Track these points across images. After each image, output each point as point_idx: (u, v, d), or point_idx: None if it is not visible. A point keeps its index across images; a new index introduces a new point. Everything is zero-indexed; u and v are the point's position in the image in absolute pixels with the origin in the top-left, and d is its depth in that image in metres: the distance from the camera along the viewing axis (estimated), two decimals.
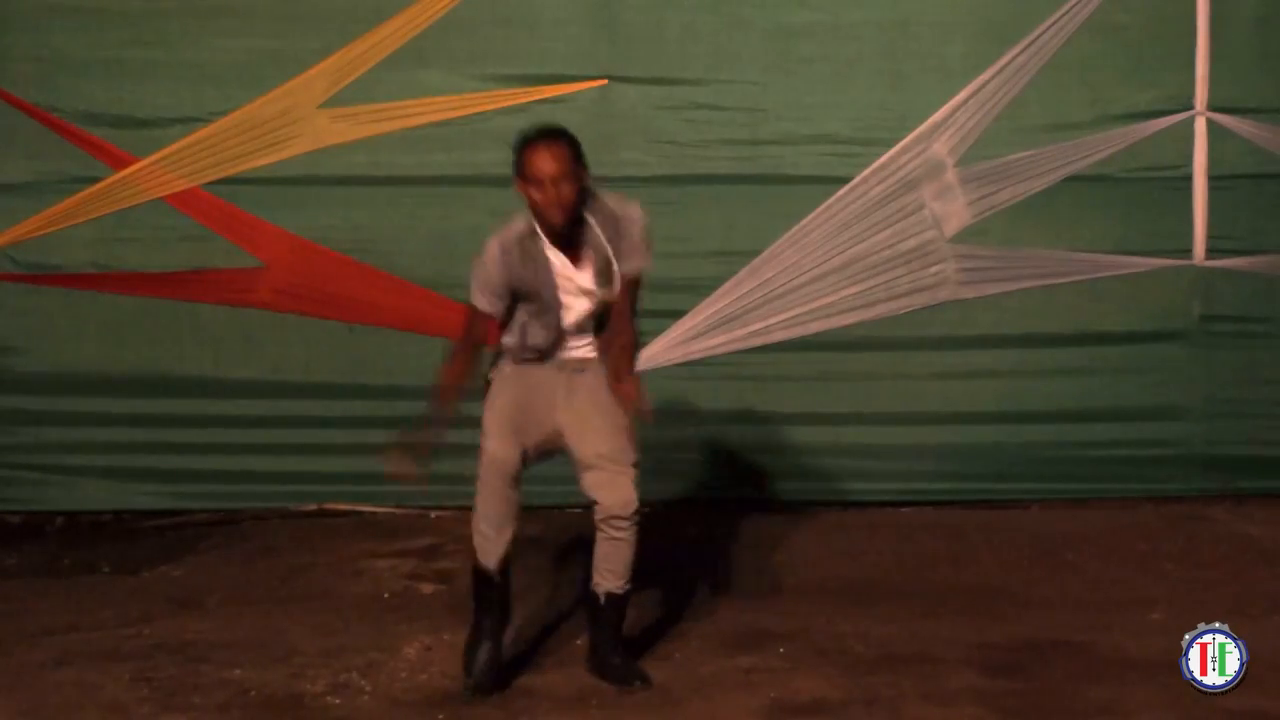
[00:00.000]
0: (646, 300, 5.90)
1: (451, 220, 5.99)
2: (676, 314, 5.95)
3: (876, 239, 5.98)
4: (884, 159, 5.95)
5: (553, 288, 3.97)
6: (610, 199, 4.03)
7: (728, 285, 5.97)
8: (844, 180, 5.95)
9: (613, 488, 3.97)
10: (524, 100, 5.94)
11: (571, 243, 3.97)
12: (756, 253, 5.97)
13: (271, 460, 6.10)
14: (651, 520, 5.65)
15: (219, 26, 5.97)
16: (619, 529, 4.00)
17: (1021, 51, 5.90)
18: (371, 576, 5.19)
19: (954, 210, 5.97)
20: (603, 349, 4.05)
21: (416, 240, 6.01)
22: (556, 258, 3.97)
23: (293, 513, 6.02)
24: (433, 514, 6.01)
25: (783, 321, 6.01)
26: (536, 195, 3.89)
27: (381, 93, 5.90)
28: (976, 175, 5.95)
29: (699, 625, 4.54)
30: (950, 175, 5.96)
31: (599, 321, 4.04)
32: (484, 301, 4.03)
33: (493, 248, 3.99)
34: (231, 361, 6.09)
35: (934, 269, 6.00)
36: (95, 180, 5.97)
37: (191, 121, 5.97)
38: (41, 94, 5.97)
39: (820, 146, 5.99)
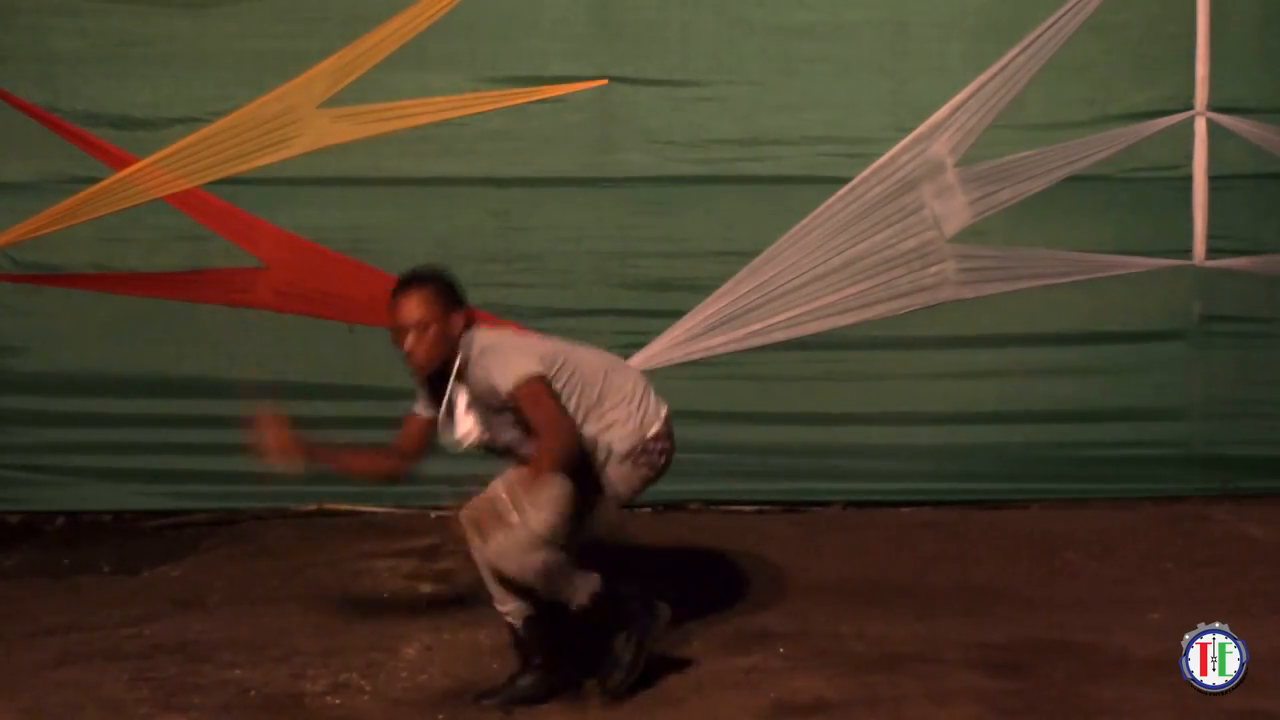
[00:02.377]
0: (647, 300, 5.94)
1: (451, 220, 6.00)
2: (676, 314, 5.96)
3: (876, 239, 5.98)
4: (884, 159, 5.96)
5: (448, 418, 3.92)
6: (480, 337, 3.89)
7: (728, 285, 5.98)
8: (844, 180, 5.96)
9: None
10: (524, 100, 5.95)
11: (447, 380, 3.88)
12: (756, 253, 5.97)
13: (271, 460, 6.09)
14: (652, 521, 5.68)
15: (219, 26, 5.97)
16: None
17: (1021, 51, 5.91)
18: (371, 576, 5.19)
19: (954, 210, 5.97)
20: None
21: (416, 240, 6.00)
22: (458, 395, 3.91)
23: (293, 513, 6.02)
24: (433, 514, 6.00)
25: (783, 321, 6.01)
26: (394, 341, 3.87)
27: (381, 93, 5.90)
28: (976, 175, 5.96)
29: (699, 625, 4.54)
30: (950, 175, 5.97)
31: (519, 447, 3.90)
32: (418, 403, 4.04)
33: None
34: (231, 362, 6.08)
35: (934, 269, 6.01)
36: (95, 180, 5.97)
37: (191, 121, 5.97)
38: (41, 94, 5.97)
39: (820, 146, 5.99)
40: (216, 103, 5.95)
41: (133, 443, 6.11)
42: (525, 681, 3.92)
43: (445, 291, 3.87)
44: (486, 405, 3.86)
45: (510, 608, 3.93)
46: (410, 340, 3.82)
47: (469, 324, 3.89)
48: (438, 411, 3.96)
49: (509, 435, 3.90)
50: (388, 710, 3.93)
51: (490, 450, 3.96)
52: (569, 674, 3.98)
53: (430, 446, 4.07)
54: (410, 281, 3.87)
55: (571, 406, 3.85)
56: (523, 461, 3.82)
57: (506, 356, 3.81)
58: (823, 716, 3.85)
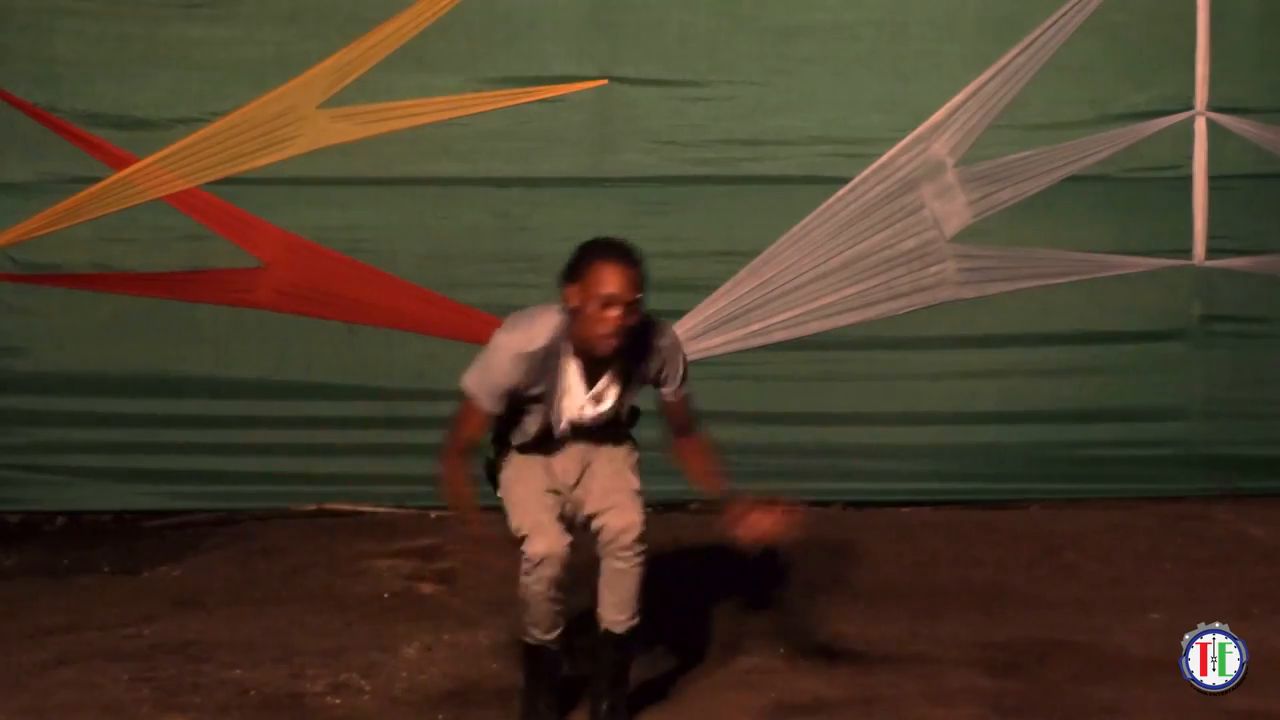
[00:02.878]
0: (647, 300, 5.93)
1: (451, 220, 6.00)
2: (677, 314, 5.95)
3: (876, 239, 5.98)
4: (884, 159, 5.96)
5: (558, 405, 3.68)
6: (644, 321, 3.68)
7: (728, 285, 5.98)
8: (844, 180, 5.96)
9: (619, 514, 3.68)
10: (524, 100, 5.94)
11: (601, 363, 3.64)
12: (756, 253, 5.97)
13: (271, 460, 6.10)
14: (652, 521, 5.67)
15: (219, 27, 5.96)
16: (624, 558, 3.69)
17: (1021, 51, 5.91)
18: (371, 576, 5.18)
19: (954, 210, 5.97)
20: (688, 467, 3.87)
21: (416, 240, 6.01)
22: (574, 372, 3.66)
23: (293, 513, 6.02)
24: (433, 514, 6.00)
25: (783, 321, 6.01)
26: (593, 314, 3.51)
27: (381, 93, 5.90)
28: (976, 175, 5.96)
29: (699, 625, 4.54)
30: (950, 175, 5.97)
31: (609, 422, 3.78)
32: (487, 402, 3.67)
33: (509, 348, 3.63)
34: (231, 362, 6.08)
35: (934, 269, 6.01)
36: (95, 180, 5.97)
37: (191, 121, 5.96)
38: (41, 94, 5.96)
39: (820, 146, 5.98)
40: (216, 103, 5.95)
41: (133, 443, 6.10)
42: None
43: (646, 273, 3.65)
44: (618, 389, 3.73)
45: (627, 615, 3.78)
46: (629, 319, 3.53)
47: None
48: (500, 408, 3.71)
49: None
50: (388, 710, 3.94)
51: (549, 433, 3.75)
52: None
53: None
54: (636, 256, 3.58)
55: None
56: (594, 436, 3.75)
57: (686, 362, 3.80)
58: (823, 716, 3.85)
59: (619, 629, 3.74)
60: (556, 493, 3.74)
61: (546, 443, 3.76)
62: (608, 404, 3.72)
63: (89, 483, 6.12)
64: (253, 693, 4.05)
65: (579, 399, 3.69)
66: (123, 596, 5.00)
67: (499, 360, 3.63)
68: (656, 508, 5.71)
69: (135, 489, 6.12)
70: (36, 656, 4.35)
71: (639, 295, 3.54)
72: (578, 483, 3.78)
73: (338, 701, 3.99)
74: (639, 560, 3.70)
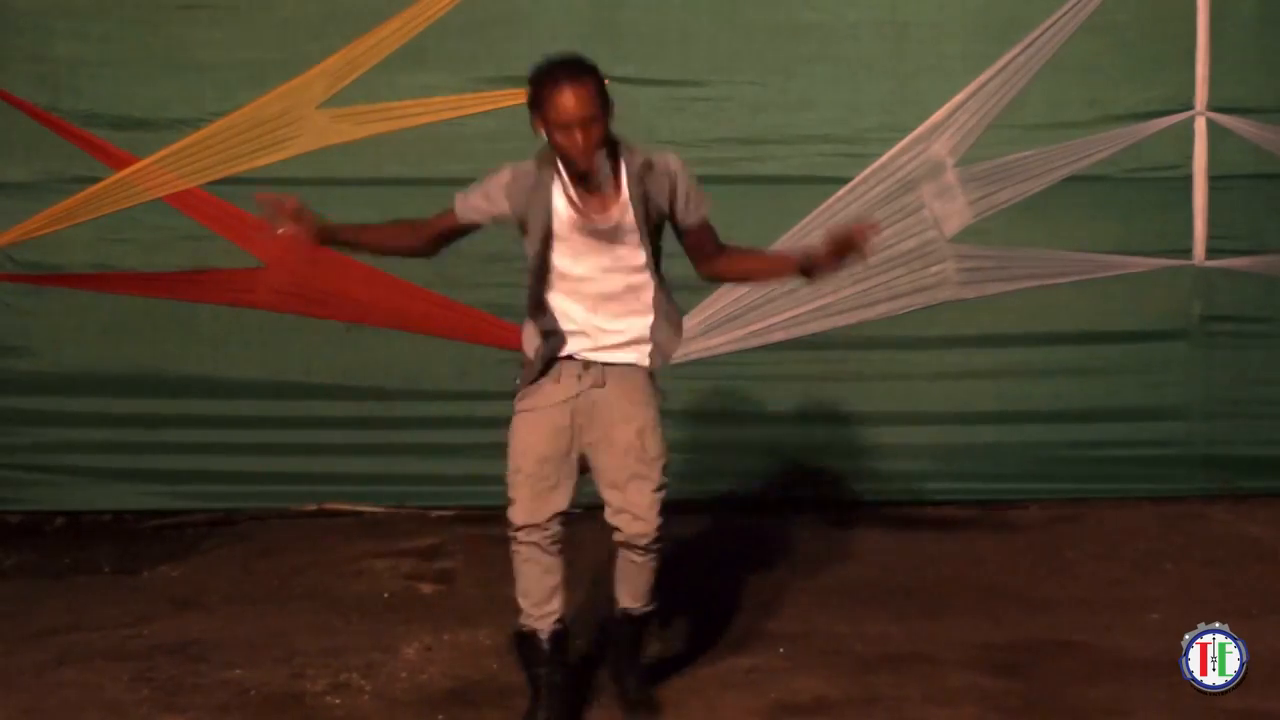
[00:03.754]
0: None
1: None
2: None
3: (876, 239, 5.97)
4: (884, 159, 5.96)
5: (547, 222, 3.62)
6: (639, 146, 3.70)
7: (728, 285, 5.97)
8: (844, 180, 5.96)
9: (634, 512, 3.71)
10: (524, 100, 5.92)
11: (594, 183, 3.60)
12: None
13: (271, 460, 6.10)
14: None
15: (219, 27, 5.96)
16: (636, 555, 3.77)
17: (1021, 51, 5.91)
18: (371, 576, 5.19)
19: (954, 210, 5.97)
20: (747, 270, 3.93)
21: None
22: (568, 197, 3.61)
23: (293, 513, 6.02)
24: (433, 514, 6.01)
25: (783, 321, 6.01)
26: (560, 139, 3.53)
27: (381, 93, 5.90)
28: (976, 175, 5.96)
29: (699, 625, 4.54)
30: (950, 175, 5.97)
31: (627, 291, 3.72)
32: (462, 200, 3.74)
33: (497, 172, 3.71)
34: (231, 362, 6.09)
35: (934, 269, 6.01)
36: (95, 180, 5.97)
37: (191, 121, 5.96)
38: (41, 94, 5.97)
39: (820, 146, 5.98)
40: (216, 103, 5.95)
41: (133, 443, 6.11)
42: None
43: (604, 84, 3.60)
44: (619, 226, 3.65)
45: (641, 602, 3.90)
46: (593, 134, 3.51)
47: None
48: (481, 222, 3.76)
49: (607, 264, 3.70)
50: (388, 710, 3.94)
51: (545, 279, 3.69)
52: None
53: (444, 249, 3.92)
54: (585, 70, 3.55)
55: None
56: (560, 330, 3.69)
57: (696, 183, 3.74)
58: (823, 716, 3.85)
59: (635, 611, 3.88)
60: (557, 456, 3.70)
61: (550, 330, 3.68)
62: (615, 215, 3.63)
63: (89, 483, 6.13)
64: (253, 693, 4.05)
65: (584, 218, 3.62)
66: (123, 596, 5.00)
67: (486, 180, 3.72)
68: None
69: (135, 489, 6.12)
70: (36, 656, 4.35)
71: (594, 111, 3.51)
72: (581, 436, 3.72)
73: (338, 701, 3.99)
74: (653, 556, 3.80)
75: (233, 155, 5.95)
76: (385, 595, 4.98)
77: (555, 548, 3.73)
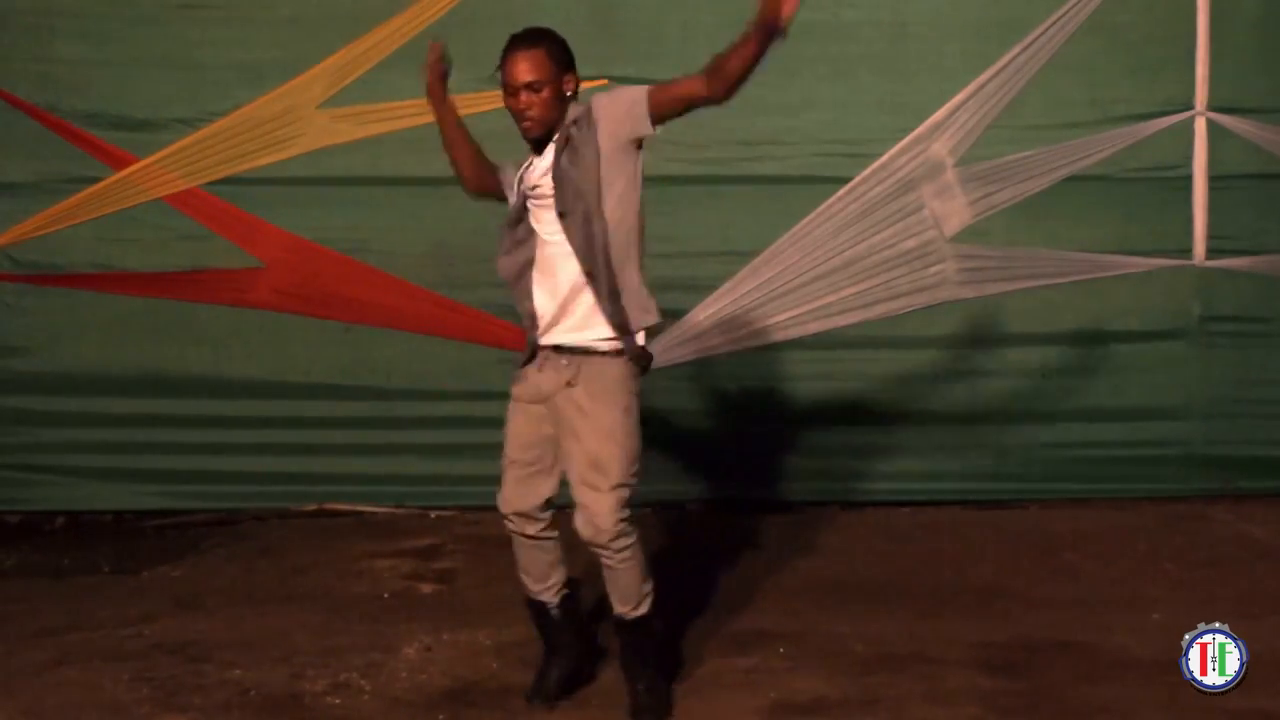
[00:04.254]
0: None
1: (451, 220, 5.99)
2: (677, 314, 5.95)
3: (876, 239, 5.98)
4: (884, 159, 5.95)
5: (519, 195, 3.77)
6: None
7: (728, 285, 5.97)
8: (844, 180, 5.95)
9: (586, 512, 3.70)
10: None
11: (547, 152, 3.71)
12: (756, 253, 5.97)
13: (271, 460, 6.10)
14: (651, 521, 5.67)
15: (219, 27, 5.97)
16: (604, 555, 3.75)
17: (1021, 51, 5.90)
18: (371, 576, 5.19)
19: (954, 210, 5.97)
20: (734, 66, 3.81)
21: (416, 240, 6.01)
22: (532, 171, 3.75)
23: (293, 513, 6.02)
24: (433, 514, 6.01)
25: (783, 321, 6.01)
26: (508, 103, 3.69)
27: (381, 93, 5.89)
28: (976, 175, 5.96)
29: (699, 625, 4.54)
30: (950, 175, 5.96)
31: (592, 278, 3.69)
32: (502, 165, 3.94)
33: None
34: (231, 362, 6.09)
35: (934, 269, 6.00)
36: (95, 180, 5.97)
37: (191, 121, 5.97)
38: (41, 94, 5.97)
39: (820, 146, 5.99)
40: (216, 103, 5.95)
41: (133, 443, 6.11)
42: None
43: (561, 50, 3.70)
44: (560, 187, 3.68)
45: (630, 606, 3.92)
46: (533, 99, 3.65)
47: (576, 92, 3.74)
48: (504, 192, 3.90)
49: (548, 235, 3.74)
50: (388, 710, 3.94)
51: (528, 257, 3.78)
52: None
53: (491, 192, 4.01)
54: (537, 36, 3.69)
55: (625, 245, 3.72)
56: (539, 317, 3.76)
57: (616, 93, 3.71)
58: (823, 716, 3.85)
59: (627, 617, 3.85)
60: (530, 443, 3.81)
61: (531, 314, 3.76)
62: (541, 176, 3.69)
63: (89, 483, 6.12)
64: (253, 693, 4.05)
65: (527, 188, 3.74)
66: (123, 596, 5.00)
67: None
68: (656, 508, 5.75)
69: (135, 489, 6.12)
70: (36, 656, 4.35)
71: (536, 77, 3.62)
72: (554, 429, 3.78)
73: (338, 701, 3.99)
74: (624, 555, 3.75)
75: (233, 155, 5.95)
76: (385, 595, 4.98)
77: (547, 531, 3.86)
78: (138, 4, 5.98)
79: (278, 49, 5.93)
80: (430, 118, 4.28)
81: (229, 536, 5.78)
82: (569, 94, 3.71)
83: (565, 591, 3.95)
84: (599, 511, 3.68)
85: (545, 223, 3.75)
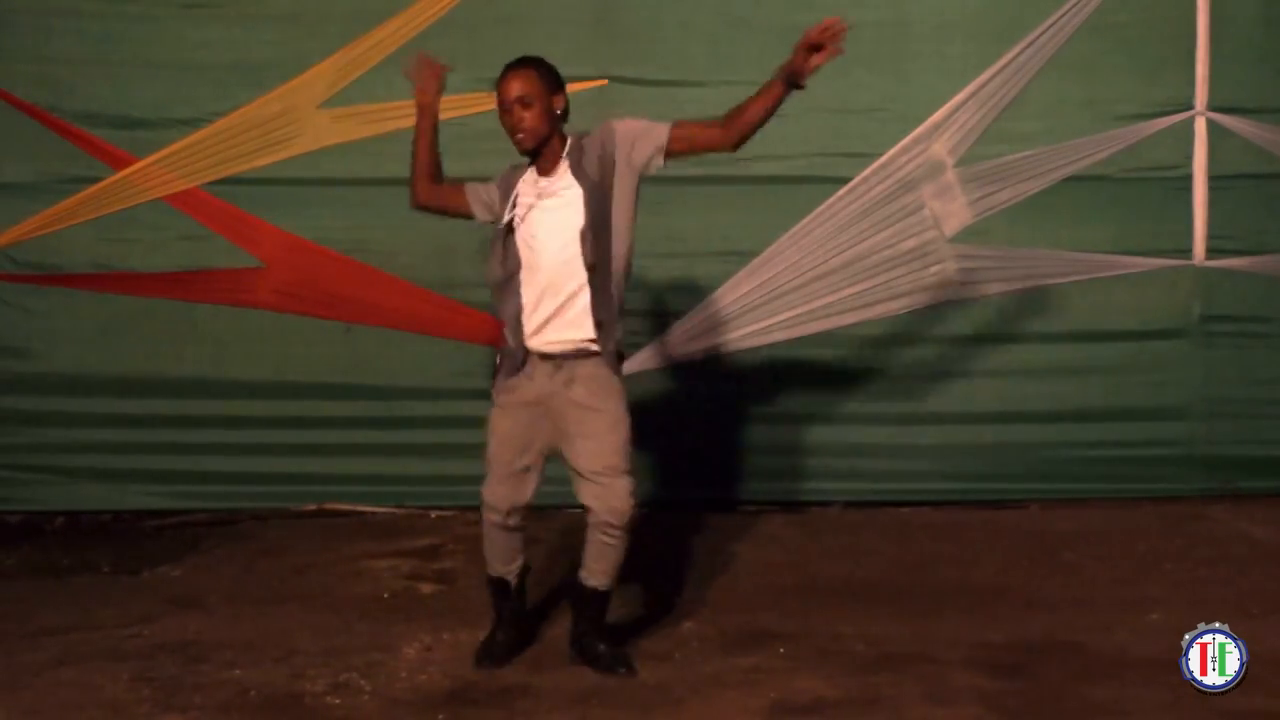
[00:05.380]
0: (645, 300, 5.93)
1: (451, 220, 5.98)
2: (677, 314, 5.96)
3: (876, 239, 5.98)
4: (884, 159, 5.96)
5: (510, 209, 4.04)
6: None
7: (728, 285, 5.98)
8: (844, 180, 5.96)
9: (606, 497, 3.99)
10: None
11: (544, 165, 4.03)
12: (756, 253, 5.98)
13: (271, 460, 6.10)
14: (651, 521, 5.67)
15: (219, 27, 5.97)
16: (611, 535, 4.03)
17: (1021, 51, 5.91)
18: (371, 576, 5.19)
19: (954, 210, 5.97)
20: (751, 116, 4.07)
21: (416, 240, 6.01)
22: (527, 182, 4.05)
23: (293, 513, 6.02)
24: (433, 514, 6.01)
25: (783, 321, 6.02)
26: (502, 121, 3.99)
27: (381, 93, 5.90)
28: (976, 175, 5.96)
29: (699, 625, 4.54)
30: (950, 175, 5.97)
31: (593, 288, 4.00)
32: (471, 185, 4.20)
33: (506, 166, 4.16)
34: (231, 362, 6.09)
35: (934, 269, 6.01)
36: (95, 180, 5.98)
37: (191, 121, 5.97)
38: (41, 94, 5.97)
39: (820, 146, 5.99)
40: (216, 103, 5.96)
41: (133, 443, 6.11)
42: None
43: (549, 73, 4.01)
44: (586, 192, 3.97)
45: (608, 580, 4.18)
46: (525, 115, 3.95)
47: (566, 112, 4.04)
48: (475, 209, 4.21)
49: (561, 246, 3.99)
50: (388, 710, 3.93)
51: (515, 264, 4.06)
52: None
53: (439, 206, 4.31)
54: (527, 61, 4.01)
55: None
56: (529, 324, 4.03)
57: (634, 121, 4.04)
58: (823, 716, 3.85)
59: (602, 587, 4.13)
60: (523, 446, 4.09)
61: (519, 323, 4.03)
62: (561, 192, 3.98)
63: (89, 483, 6.13)
64: (253, 693, 4.05)
65: (529, 199, 4.02)
66: (123, 596, 5.00)
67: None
68: (655, 507, 5.75)
69: (135, 489, 6.12)
70: (36, 656, 4.35)
71: (527, 91, 3.94)
72: (550, 428, 4.06)
73: (338, 701, 3.99)
74: (625, 537, 4.03)
75: (233, 155, 5.95)
76: (385, 595, 4.98)
77: (522, 521, 4.20)
78: (138, 4, 5.98)
79: (278, 49, 5.93)
80: None
81: (229, 536, 5.78)
82: (559, 112, 4.02)
83: (523, 571, 4.30)
84: (620, 494, 3.97)
85: (550, 225, 3.99)
